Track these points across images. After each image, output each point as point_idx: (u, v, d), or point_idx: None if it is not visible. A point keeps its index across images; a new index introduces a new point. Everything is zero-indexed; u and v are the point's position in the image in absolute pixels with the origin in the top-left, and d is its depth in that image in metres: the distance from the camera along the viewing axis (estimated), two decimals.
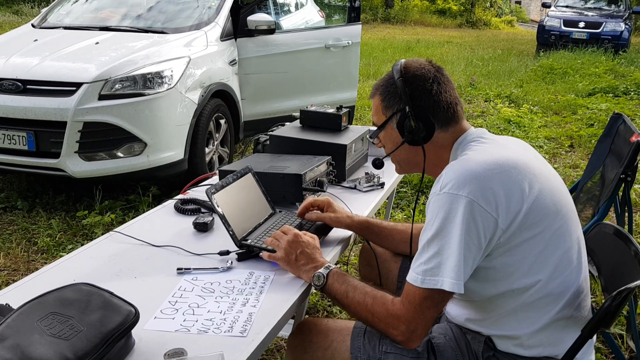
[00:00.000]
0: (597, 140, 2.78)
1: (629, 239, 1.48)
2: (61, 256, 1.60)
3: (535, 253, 1.27)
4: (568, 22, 12.61)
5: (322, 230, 1.68)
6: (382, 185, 2.16)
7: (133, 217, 1.88)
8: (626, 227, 2.48)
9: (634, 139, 2.26)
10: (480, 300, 1.35)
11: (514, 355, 1.34)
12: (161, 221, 1.84)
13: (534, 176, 1.29)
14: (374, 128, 1.51)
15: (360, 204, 1.98)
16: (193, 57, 3.96)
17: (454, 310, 1.47)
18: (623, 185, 2.34)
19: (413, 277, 1.25)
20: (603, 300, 1.36)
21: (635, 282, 1.27)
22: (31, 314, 1.09)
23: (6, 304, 1.18)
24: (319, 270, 1.40)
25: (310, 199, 1.78)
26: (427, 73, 1.40)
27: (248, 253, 1.55)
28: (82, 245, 2.03)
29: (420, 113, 1.39)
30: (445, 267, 1.21)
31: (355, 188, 2.14)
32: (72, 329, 1.06)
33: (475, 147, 1.36)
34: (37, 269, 1.46)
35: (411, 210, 3.82)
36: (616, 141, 2.54)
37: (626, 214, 2.46)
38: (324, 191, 1.97)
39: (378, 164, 1.59)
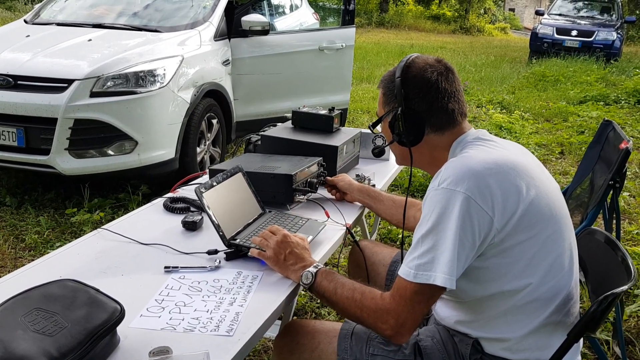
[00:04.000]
0: (587, 147, 2.79)
1: (616, 244, 1.49)
2: (49, 253, 1.59)
3: (528, 256, 1.27)
4: (561, 30, 12.71)
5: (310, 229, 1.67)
6: (372, 187, 2.15)
7: (122, 216, 1.87)
8: (614, 233, 2.49)
9: (623, 145, 2.27)
10: (470, 301, 1.36)
11: (501, 359, 1.34)
12: (150, 219, 1.83)
13: (531, 179, 1.29)
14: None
15: (350, 206, 1.98)
16: (186, 56, 3.94)
17: (444, 312, 1.47)
18: (611, 191, 2.35)
19: (405, 271, 1.25)
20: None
21: (621, 287, 1.28)
22: (15, 309, 1.08)
23: None
24: (308, 269, 1.40)
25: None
26: (429, 76, 1.39)
27: (236, 252, 1.54)
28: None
29: (412, 117, 1.39)
30: (439, 262, 1.21)
31: None
32: (57, 325, 1.05)
33: (476, 146, 1.36)
34: (24, 265, 1.45)
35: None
36: (606, 148, 2.55)
37: (614, 221, 2.47)
38: (315, 192, 1.96)
39: (377, 152, 1.63)
